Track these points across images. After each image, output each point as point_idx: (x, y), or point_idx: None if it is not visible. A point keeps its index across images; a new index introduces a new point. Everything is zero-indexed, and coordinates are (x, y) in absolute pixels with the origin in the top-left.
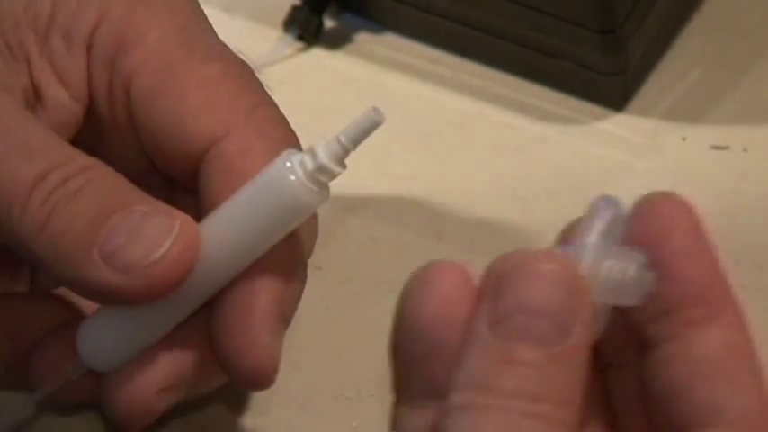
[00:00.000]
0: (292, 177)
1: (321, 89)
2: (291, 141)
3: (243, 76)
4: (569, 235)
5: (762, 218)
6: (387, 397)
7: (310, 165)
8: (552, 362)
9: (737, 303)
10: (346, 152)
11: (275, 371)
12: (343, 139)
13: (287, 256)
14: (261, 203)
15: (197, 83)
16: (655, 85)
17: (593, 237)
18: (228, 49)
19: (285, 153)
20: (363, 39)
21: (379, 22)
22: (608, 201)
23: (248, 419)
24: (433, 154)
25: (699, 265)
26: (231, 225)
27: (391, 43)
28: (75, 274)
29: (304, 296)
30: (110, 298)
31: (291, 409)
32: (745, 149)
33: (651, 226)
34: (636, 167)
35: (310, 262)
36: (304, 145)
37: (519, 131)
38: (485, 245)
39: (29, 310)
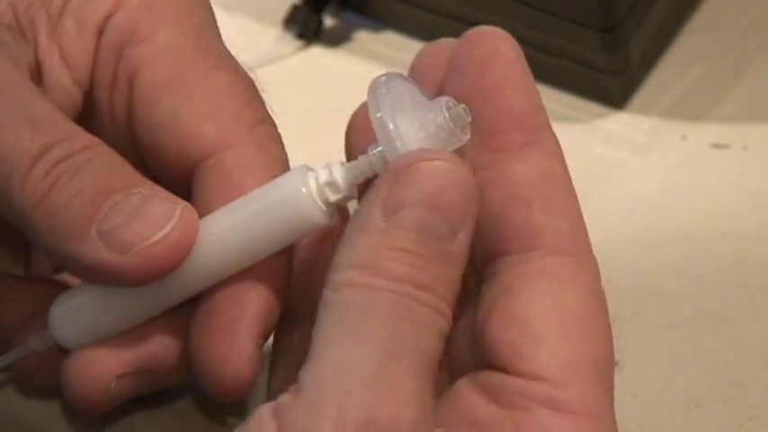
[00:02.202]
0: (305, 191)
1: (321, 88)
2: (286, 161)
3: (248, 90)
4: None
5: (762, 216)
6: None
7: (324, 181)
8: (440, 257)
9: (554, 134)
10: (364, 176)
11: (254, 384)
12: (368, 162)
13: (278, 270)
14: (268, 211)
15: (205, 88)
16: (655, 84)
17: (388, 121)
18: (236, 60)
19: (301, 166)
20: (363, 37)
21: (379, 20)
22: (379, 83)
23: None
24: None
25: (519, 92)
26: (233, 225)
27: (391, 41)
28: (70, 249)
29: None
30: (102, 277)
31: None
32: (745, 148)
33: (474, 55)
34: (636, 166)
35: None
36: (303, 143)
37: None
38: None
39: (16, 292)
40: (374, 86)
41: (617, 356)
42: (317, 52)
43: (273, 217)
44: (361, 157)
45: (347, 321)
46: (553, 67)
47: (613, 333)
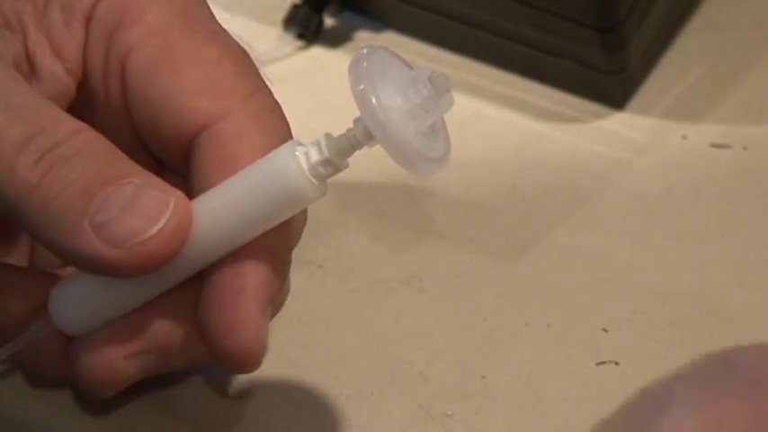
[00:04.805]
0: (295, 167)
1: (321, 87)
2: (285, 130)
3: (241, 61)
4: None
5: (762, 216)
6: (387, 395)
7: (315, 157)
8: None
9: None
10: (353, 149)
11: (263, 353)
12: (354, 134)
13: (277, 243)
14: (260, 189)
15: (196, 64)
16: (655, 84)
17: (370, 94)
18: (228, 33)
19: (290, 143)
20: (363, 37)
21: (379, 20)
22: (361, 55)
23: (248, 417)
24: None
25: None
26: (226, 205)
27: (391, 41)
28: (63, 241)
29: (304, 295)
30: (96, 269)
31: (291, 409)
32: (745, 148)
33: None
34: (636, 166)
35: (311, 260)
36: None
37: (519, 130)
38: (485, 243)
39: (18, 283)
40: (356, 59)
41: (617, 356)
42: (318, 52)
43: (265, 195)
44: (347, 130)
45: None
46: (553, 67)
47: (613, 332)
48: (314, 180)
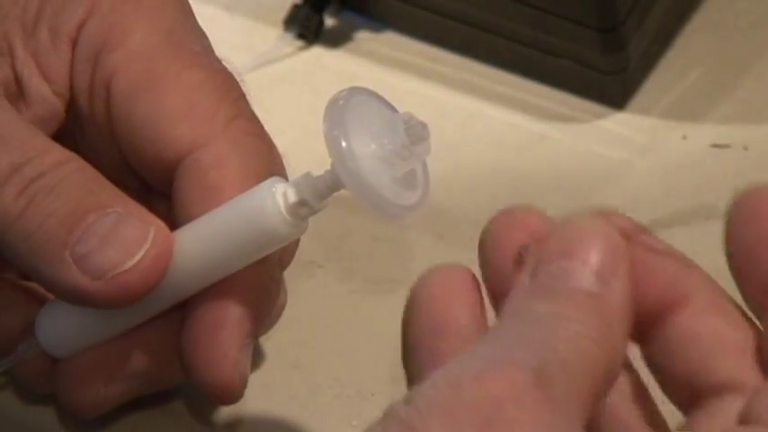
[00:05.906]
0: (272, 208)
1: (321, 88)
2: (269, 155)
3: (224, 85)
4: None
5: None
6: (387, 395)
7: (292, 198)
8: (591, 300)
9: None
10: (330, 191)
11: (243, 387)
12: (328, 178)
13: (258, 274)
14: (237, 227)
15: (177, 88)
16: (655, 84)
17: (341, 139)
18: (213, 55)
19: (270, 181)
20: (364, 37)
21: (380, 20)
22: (339, 98)
23: (248, 418)
24: (434, 153)
25: None
26: (204, 241)
27: (392, 42)
28: (45, 272)
29: (304, 295)
30: (78, 299)
31: (292, 409)
32: (745, 148)
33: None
34: (636, 166)
35: (311, 260)
36: (303, 143)
37: (519, 130)
38: None
39: (13, 298)
40: (332, 102)
41: None
42: (318, 52)
43: (242, 234)
44: (325, 171)
45: None
46: (553, 67)
47: None
48: (291, 219)
